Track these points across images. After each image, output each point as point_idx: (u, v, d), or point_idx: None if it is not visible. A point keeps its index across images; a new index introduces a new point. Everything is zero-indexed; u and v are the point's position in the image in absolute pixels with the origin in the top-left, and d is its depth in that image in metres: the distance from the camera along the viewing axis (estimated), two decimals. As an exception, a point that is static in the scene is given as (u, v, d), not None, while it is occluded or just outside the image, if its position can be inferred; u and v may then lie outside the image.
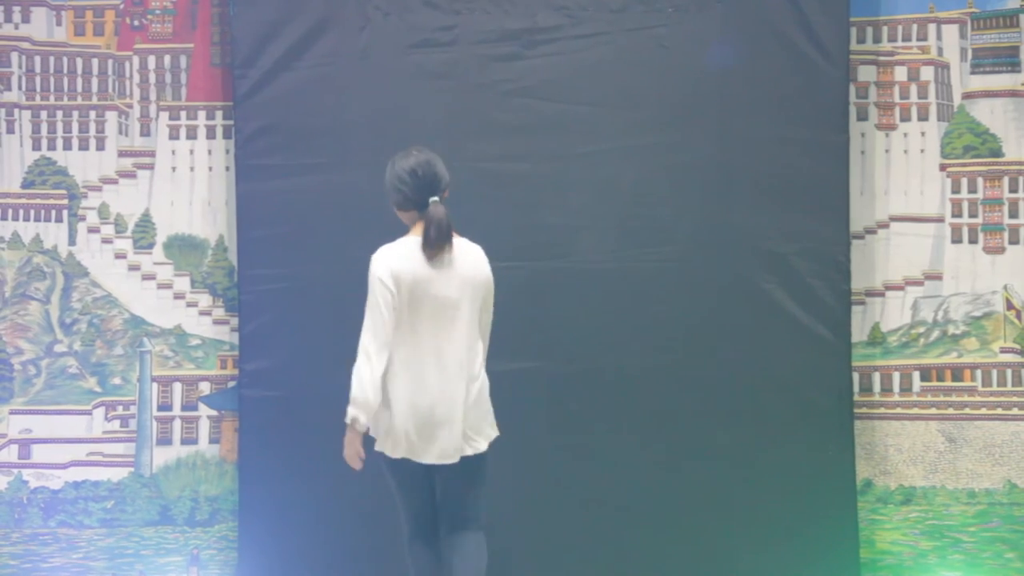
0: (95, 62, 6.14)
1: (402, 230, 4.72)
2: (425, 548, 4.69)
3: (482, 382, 4.65)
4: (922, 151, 6.09)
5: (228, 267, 6.07)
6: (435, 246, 4.55)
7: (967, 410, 6.05)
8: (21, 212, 6.11)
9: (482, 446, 4.63)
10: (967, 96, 6.09)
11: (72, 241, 6.12)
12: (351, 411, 4.45)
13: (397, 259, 4.55)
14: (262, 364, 5.82)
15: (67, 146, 6.14)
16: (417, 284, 4.53)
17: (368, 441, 4.58)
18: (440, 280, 4.55)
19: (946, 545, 6.00)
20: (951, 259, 6.08)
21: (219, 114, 6.10)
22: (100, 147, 6.13)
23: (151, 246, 6.11)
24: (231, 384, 6.04)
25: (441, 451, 4.55)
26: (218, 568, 6.01)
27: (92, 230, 6.11)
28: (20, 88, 6.13)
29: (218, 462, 6.07)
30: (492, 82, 5.84)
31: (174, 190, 6.11)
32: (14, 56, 6.13)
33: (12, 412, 6.08)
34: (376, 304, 4.49)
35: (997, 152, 6.08)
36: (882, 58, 6.10)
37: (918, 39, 6.10)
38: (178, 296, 6.10)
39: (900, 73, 6.10)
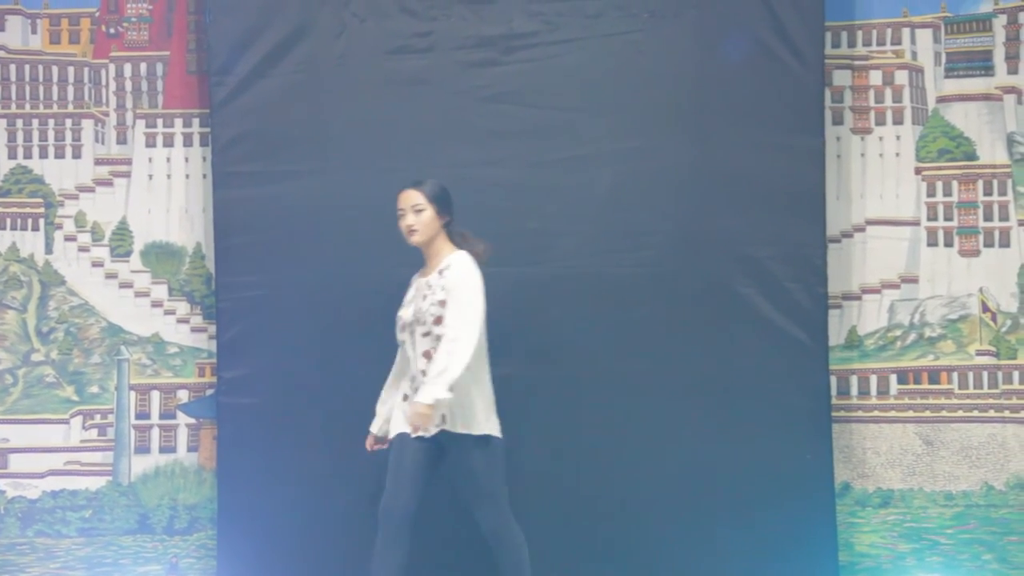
0: (71, 70, 6.13)
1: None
2: None
3: None
4: (897, 155, 6.12)
5: (206, 275, 6.06)
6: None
7: (944, 413, 6.08)
8: (-3, 220, 6.11)
9: None
10: (941, 100, 6.13)
11: (49, 249, 6.11)
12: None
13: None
14: (240, 372, 5.80)
15: (43, 154, 6.13)
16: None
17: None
18: None
19: (924, 547, 6.02)
20: (927, 262, 6.10)
21: (196, 121, 6.10)
22: (76, 155, 6.12)
23: (128, 254, 6.09)
24: (209, 392, 6.03)
25: None
26: (197, 576, 6.01)
27: (69, 238, 6.10)
28: (-5, 96, 6.13)
29: (196, 470, 6.06)
30: (469, 88, 5.85)
31: (151, 198, 6.10)
32: (-11, 64, 6.13)
33: (-11, 421, 6.07)
34: (480, 311, 4.98)
35: (971, 155, 6.11)
36: (857, 62, 6.13)
37: (892, 43, 6.13)
38: (156, 304, 6.09)
39: (875, 77, 6.13)
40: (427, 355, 4.99)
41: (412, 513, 4.97)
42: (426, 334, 5.01)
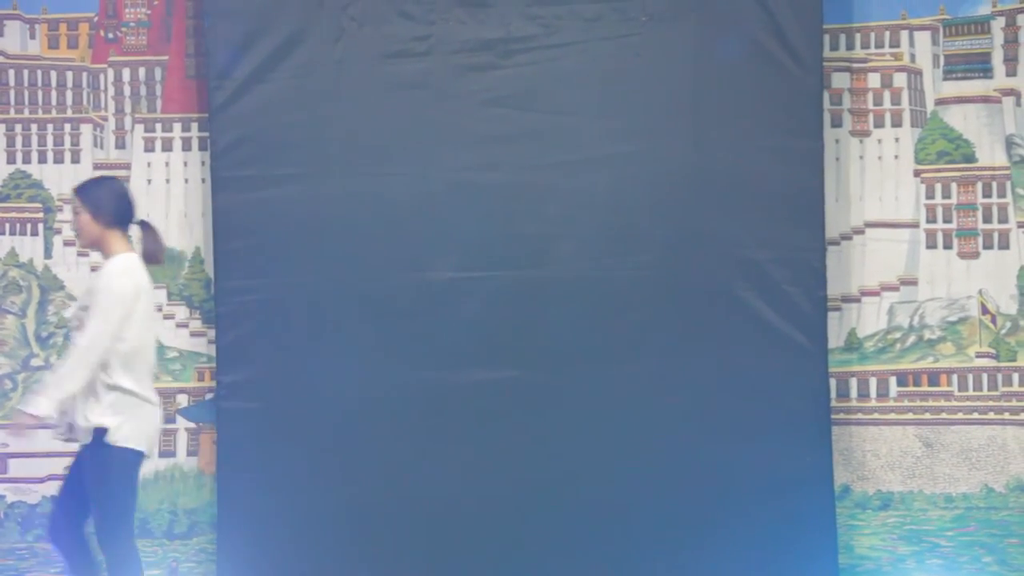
0: (69, 75, 6.13)
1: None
2: None
3: None
4: (896, 157, 6.12)
5: (205, 279, 6.05)
6: (160, 260, 4.94)
7: (944, 415, 6.07)
8: (-4, 225, 6.11)
9: None
10: (940, 102, 6.12)
11: (48, 254, 6.11)
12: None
13: (141, 272, 4.78)
14: (239, 376, 5.81)
15: (42, 159, 6.13)
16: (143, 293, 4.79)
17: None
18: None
19: (924, 550, 6.02)
20: (926, 264, 6.10)
21: (194, 126, 6.10)
22: (75, 160, 6.12)
23: (127, 259, 6.09)
24: (209, 396, 6.02)
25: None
26: (197, 581, 6.01)
27: (68, 243, 6.10)
28: (-6, 102, 6.14)
29: (196, 474, 6.06)
30: (467, 92, 5.85)
31: (150, 202, 6.09)
32: (-12, 70, 6.13)
33: (-12, 426, 6.07)
34: (123, 312, 4.66)
35: (970, 157, 6.10)
36: (855, 65, 6.13)
37: (891, 46, 6.13)
38: (155, 308, 6.07)
39: (873, 79, 6.13)
40: None
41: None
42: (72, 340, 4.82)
